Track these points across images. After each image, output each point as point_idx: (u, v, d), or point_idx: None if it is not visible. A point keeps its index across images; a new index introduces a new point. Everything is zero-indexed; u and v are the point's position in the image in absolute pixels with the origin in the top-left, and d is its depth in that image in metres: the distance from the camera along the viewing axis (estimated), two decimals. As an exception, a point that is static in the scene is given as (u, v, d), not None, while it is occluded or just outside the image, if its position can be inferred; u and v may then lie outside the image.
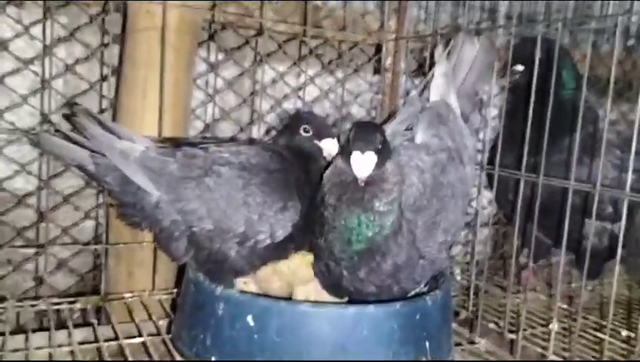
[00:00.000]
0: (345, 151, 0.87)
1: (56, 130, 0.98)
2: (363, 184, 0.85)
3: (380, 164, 0.85)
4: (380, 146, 0.85)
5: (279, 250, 0.99)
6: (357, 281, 0.93)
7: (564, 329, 1.19)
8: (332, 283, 0.98)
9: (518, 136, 1.11)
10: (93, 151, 0.95)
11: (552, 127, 1.05)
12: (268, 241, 0.96)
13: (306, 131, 1.06)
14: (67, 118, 0.97)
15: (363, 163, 0.83)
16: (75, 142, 0.95)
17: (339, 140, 1.06)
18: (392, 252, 0.91)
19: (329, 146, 1.05)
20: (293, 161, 1.03)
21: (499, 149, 1.15)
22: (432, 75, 1.10)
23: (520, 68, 1.37)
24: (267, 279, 1.03)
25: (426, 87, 1.12)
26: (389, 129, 1.07)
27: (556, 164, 1.28)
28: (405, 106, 1.15)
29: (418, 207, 0.94)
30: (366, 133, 0.86)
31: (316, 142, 1.06)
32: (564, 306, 1.27)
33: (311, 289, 1.01)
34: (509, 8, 1.35)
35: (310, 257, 1.01)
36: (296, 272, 1.02)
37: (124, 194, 0.97)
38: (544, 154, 1.04)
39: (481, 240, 1.74)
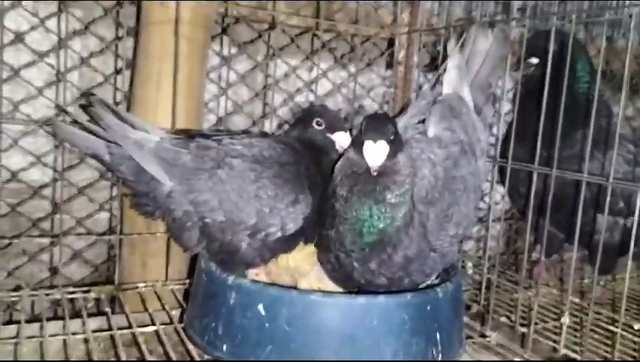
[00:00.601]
0: (357, 142, 0.87)
1: (73, 120, 1.00)
2: (375, 174, 0.85)
3: (391, 155, 0.85)
4: (392, 137, 0.85)
5: (290, 243, 1.00)
6: (368, 273, 0.93)
7: (576, 323, 1.18)
8: (342, 275, 0.98)
9: (531, 129, 1.10)
10: (108, 141, 0.96)
11: (565, 120, 1.04)
12: (279, 234, 0.97)
13: (318, 124, 1.06)
14: (84, 107, 0.98)
15: (375, 152, 0.83)
16: (91, 132, 0.97)
17: (351, 133, 1.06)
18: (403, 244, 0.91)
19: (341, 139, 1.05)
20: (305, 154, 1.03)
21: (511, 142, 1.14)
22: (445, 68, 1.10)
23: (534, 61, 1.36)
24: (276, 272, 1.03)
25: (438, 80, 1.12)
26: (401, 122, 1.07)
27: (569, 157, 1.27)
28: (417, 100, 1.15)
29: (430, 200, 0.94)
30: (378, 123, 0.87)
31: (328, 135, 1.06)
32: (576, 300, 1.26)
33: (313, 279, 1.01)
34: (523, 1, 1.34)
35: (311, 248, 1.01)
36: (300, 265, 1.03)
37: (138, 184, 0.98)
38: (557, 147, 1.03)
39: (494, 235, 1.74)
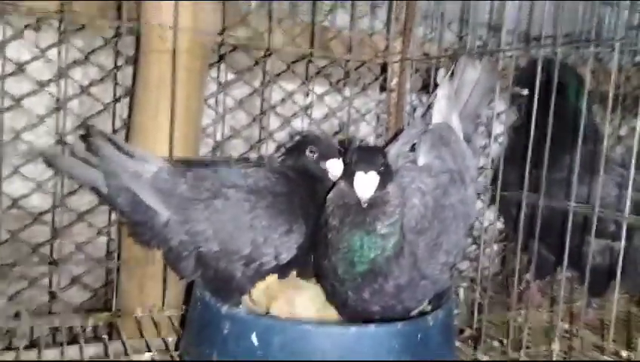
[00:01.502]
0: (347, 173, 0.90)
1: (72, 152, 1.02)
2: (365, 205, 0.87)
3: (381, 186, 0.88)
4: (381, 168, 0.88)
5: (283, 271, 1.02)
6: (361, 301, 0.95)
7: (568, 346, 1.20)
8: (339, 303, 1.00)
9: (522, 154, 1.12)
10: (106, 173, 0.99)
11: (557, 144, 1.06)
12: (273, 263, 0.99)
13: (312, 152, 1.09)
14: (83, 138, 1.01)
15: (365, 183, 0.86)
16: (89, 164, 0.99)
17: (344, 161, 1.09)
18: (394, 273, 0.93)
19: (333, 167, 1.08)
20: (299, 183, 1.06)
21: (500, 169, 1.16)
22: (435, 98, 1.12)
23: (524, 92, 1.38)
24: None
25: (429, 109, 1.14)
26: (392, 150, 1.09)
27: (559, 181, 1.29)
28: (408, 128, 1.17)
29: (419, 229, 0.96)
30: (368, 154, 0.89)
31: (322, 163, 1.08)
32: (566, 326, 1.27)
33: (282, 303, 1.01)
34: (514, 28, 1.37)
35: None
36: (271, 290, 1.04)
37: (134, 214, 1.01)
38: (544, 175, 1.05)
39: (488, 255, 1.75)
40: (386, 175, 0.90)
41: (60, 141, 1.24)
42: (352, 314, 1.00)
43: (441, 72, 1.16)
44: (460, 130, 1.12)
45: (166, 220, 0.99)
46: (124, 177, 0.97)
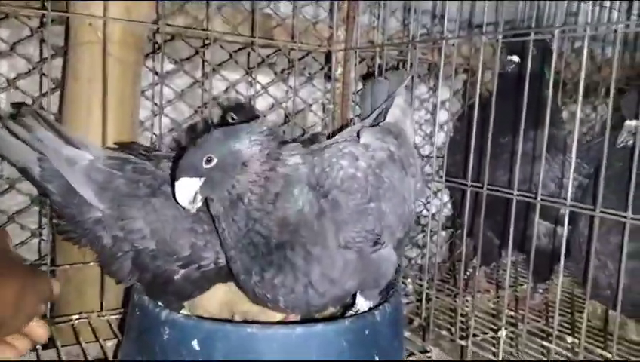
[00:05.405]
0: None
1: (6, 128, 0.94)
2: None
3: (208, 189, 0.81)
4: (206, 167, 0.80)
5: (223, 275, 0.98)
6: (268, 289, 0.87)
7: (514, 332, 1.21)
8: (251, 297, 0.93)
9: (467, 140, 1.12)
10: (41, 153, 0.91)
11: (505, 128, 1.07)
12: (212, 266, 0.95)
13: (233, 119, 1.11)
14: (14, 117, 0.93)
15: (182, 192, 0.81)
16: (23, 141, 0.92)
17: None
18: (307, 238, 0.84)
19: None
20: None
21: (445, 156, 1.16)
22: (389, 105, 1.08)
23: (515, 59, 1.35)
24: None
25: (380, 115, 1.09)
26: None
27: (505, 165, 1.29)
28: (356, 124, 1.12)
29: (347, 188, 0.86)
30: (185, 156, 0.82)
31: None
32: (512, 313, 1.29)
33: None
34: (457, 16, 1.36)
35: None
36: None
37: (66, 206, 0.94)
38: (487, 164, 1.05)
39: (435, 242, 1.76)
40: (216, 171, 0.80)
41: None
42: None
43: (391, 74, 1.13)
44: (412, 136, 1.08)
45: (99, 215, 0.93)
46: (57, 162, 0.91)
